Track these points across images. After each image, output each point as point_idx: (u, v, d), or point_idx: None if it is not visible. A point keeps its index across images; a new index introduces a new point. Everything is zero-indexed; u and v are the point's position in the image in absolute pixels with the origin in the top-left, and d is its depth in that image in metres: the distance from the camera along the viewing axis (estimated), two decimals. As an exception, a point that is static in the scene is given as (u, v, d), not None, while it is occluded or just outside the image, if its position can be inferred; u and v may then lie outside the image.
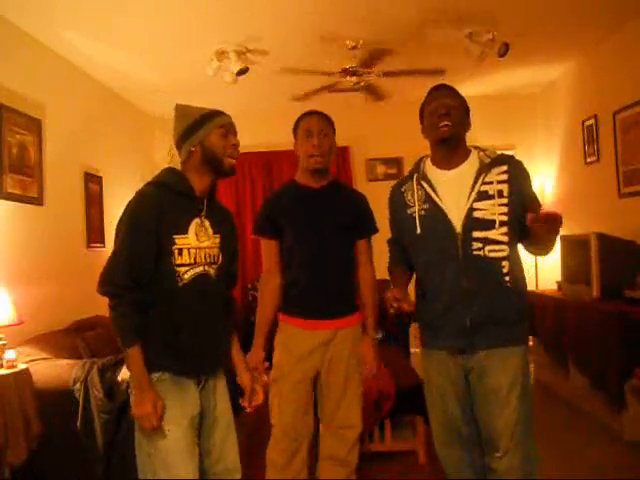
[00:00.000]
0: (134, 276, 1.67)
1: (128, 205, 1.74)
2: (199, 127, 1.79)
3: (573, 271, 4.19)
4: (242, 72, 4.23)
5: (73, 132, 4.28)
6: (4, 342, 2.81)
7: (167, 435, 1.68)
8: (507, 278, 1.88)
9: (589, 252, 3.81)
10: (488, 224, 1.87)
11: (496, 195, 1.88)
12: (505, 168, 1.92)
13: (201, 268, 1.77)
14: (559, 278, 4.50)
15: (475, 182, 1.89)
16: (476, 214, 1.88)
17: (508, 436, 1.86)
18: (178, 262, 1.73)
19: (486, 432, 1.92)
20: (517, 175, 1.92)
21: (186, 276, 1.74)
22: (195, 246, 1.76)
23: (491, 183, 1.89)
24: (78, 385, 2.79)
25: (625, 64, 4.23)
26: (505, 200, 1.88)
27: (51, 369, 2.93)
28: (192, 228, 1.77)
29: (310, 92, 4.54)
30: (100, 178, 4.70)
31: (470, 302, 1.88)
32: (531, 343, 4.83)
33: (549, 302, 4.39)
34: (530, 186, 1.97)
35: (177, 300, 1.73)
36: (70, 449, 2.80)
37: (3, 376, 2.64)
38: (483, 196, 1.88)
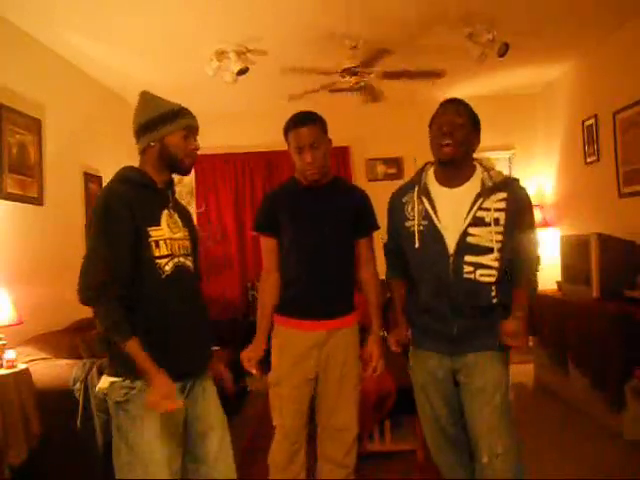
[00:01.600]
0: (112, 275, 1.62)
1: (96, 205, 1.72)
2: (162, 124, 1.77)
3: (573, 271, 4.18)
4: (242, 72, 4.23)
5: (73, 132, 4.28)
6: (4, 342, 2.81)
7: (148, 447, 1.65)
8: (495, 300, 1.92)
9: (589, 252, 3.81)
10: (481, 250, 1.88)
11: (492, 223, 1.88)
12: (504, 195, 1.91)
13: (177, 259, 1.76)
14: (559, 278, 4.50)
15: (472, 206, 1.89)
16: (470, 239, 1.89)
17: (492, 435, 1.88)
18: (157, 254, 1.70)
19: (471, 431, 1.94)
20: (516, 204, 1.92)
21: (167, 267, 1.72)
22: (169, 237, 1.75)
23: (488, 210, 1.89)
24: (78, 385, 2.79)
25: (625, 64, 4.23)
26: (501, 229, 1.89)
27: (51, 369, 2.93)
28: (163, 219, 1.76)
29: (309, 91, 4.53)
30: (100, 178, 4.69)
31: (458, 317, 1.92)
32: (531, 343, 4.83)
33: (549, 302, 4.39)
34: (527, 215, 1.97)
35: (162, 294, 1.71)
36: (70, 449, 2.80)
37: (3, 376, 2.64)
38: (479, 222, 1.88)
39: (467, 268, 1.88)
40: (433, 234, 1.92)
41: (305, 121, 2.15)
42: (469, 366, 1.93)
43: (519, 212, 1.92)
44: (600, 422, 3.60)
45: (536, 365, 4.79)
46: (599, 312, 3.58)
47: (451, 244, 1.89)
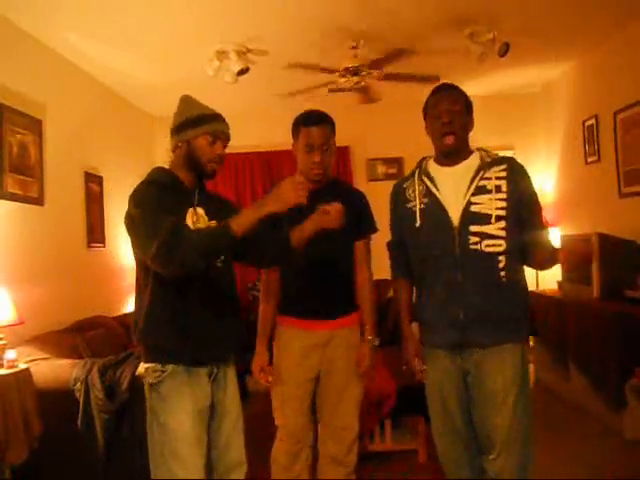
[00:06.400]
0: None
1: (132, 198, 1.77)
2: (191, 126, 1.84)
3: (573, 271, 4.19)
4: (243, 72, 4.22)
5: (73, 132, 4.28)
6: (4, 342, 2.81)
7: (178, 425, 1.76)
8: (503, 273, 1.89)
9: (590, 252, 3.81)
10: (485, 218, 1.88)
11: (494, 190, 1.90)
12: (504, 167, 1.94)
13: None
14: (559, 278, 4.50)
15: (474, 177, 1.92)
16: (473, 208, 1.89)
17: (503, 438, 1.86)
18: None
19: (481, 433, 1.92)
20: (516, 174, 1.94)
21: None
22: None
23: (490, 179, 1.91)
24: (78, 385, 2.79)
25: (625, 64, 4.23)
26: (504, 195, 1.89)
27: (51, 369, 2.93)
28: (188, 217, 1.84)
29: (309, 88, 4.53)
30: (100, 178, 4.70)
31: (465, 296, 1.89)
32: (532, 343, 4.83)
33: (549, 302, 4.39)
34: (529, 186, 1.97)
35: (184, 287, 1.79)
36: (70, 449, 2.80)
37: (3, 376, 2.64)
38: (481, 190, 1.90)
39: (473, 239, 1.88)
40: (436, 209, 1.93)
41: (319, 121, 2.17)
42: (478, 367, 1.90)
43: (521, 181, 1.93)
44: (600, 422, 3.60)
45: (536, 365, 4.79)
46: (599, 312, 3.58)
47: (455, 216, 1.90)
